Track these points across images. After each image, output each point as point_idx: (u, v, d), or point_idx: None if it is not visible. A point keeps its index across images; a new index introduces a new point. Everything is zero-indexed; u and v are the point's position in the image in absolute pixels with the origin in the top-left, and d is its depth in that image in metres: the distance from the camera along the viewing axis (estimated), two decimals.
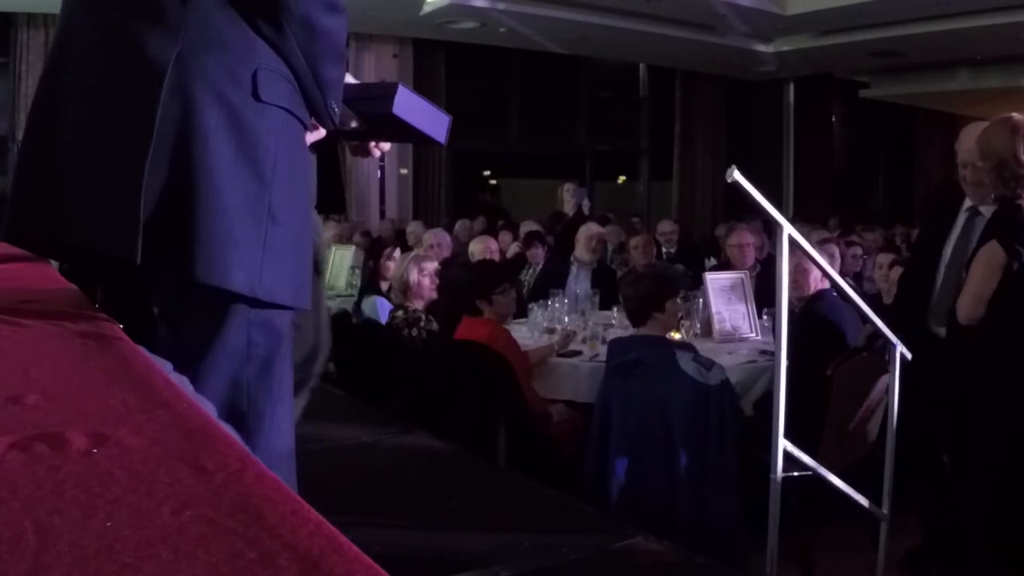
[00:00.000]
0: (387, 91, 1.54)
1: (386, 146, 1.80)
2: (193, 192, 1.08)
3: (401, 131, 1.64)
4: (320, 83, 1.25)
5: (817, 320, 3.53)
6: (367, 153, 1.79)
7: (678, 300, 3.37)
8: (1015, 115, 2.59)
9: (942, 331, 2.83)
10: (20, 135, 7.47)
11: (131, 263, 1.08)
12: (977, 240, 2.70)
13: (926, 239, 3.17)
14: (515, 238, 7.07)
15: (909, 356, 2.54)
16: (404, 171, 9.76)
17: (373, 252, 6.45)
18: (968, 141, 2.84)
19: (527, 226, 7.04)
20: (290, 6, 1.17)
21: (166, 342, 1.14)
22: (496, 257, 5.50)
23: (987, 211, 2.80)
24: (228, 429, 0.91)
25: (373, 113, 1.57)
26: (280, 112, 1.19)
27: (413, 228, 7.13)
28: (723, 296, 4.15)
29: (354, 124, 1.57)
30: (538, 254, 6.01)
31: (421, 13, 8.25)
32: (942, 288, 2.82)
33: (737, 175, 1.92)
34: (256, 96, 1.15)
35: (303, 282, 1.24)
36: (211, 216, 1.08)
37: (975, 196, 2.85)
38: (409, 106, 1.56)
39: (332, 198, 1.87)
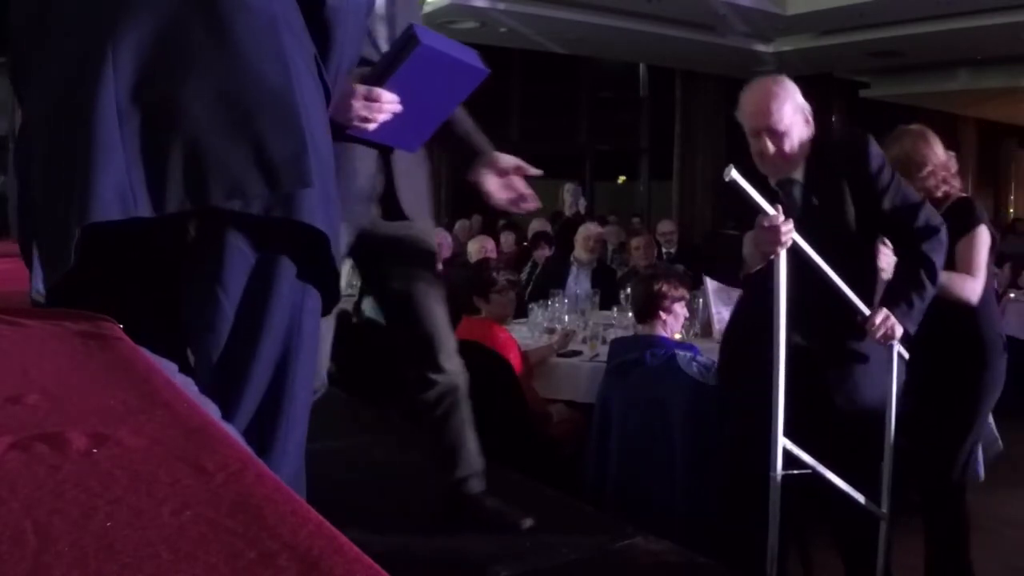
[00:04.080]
0: (406, 36, 1.63)
1: (531, 205, 2.02)
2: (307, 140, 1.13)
3: (441, 75, 1.70)
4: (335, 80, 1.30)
5: None
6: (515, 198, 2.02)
7: (686, 303, 3.37)
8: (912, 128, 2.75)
9: (801, 340, 2.28)
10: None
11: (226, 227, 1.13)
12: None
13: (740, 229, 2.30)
14: (518, 239, 7.07)
15: (907, 355, 2.52)
16: None
17: None
18: (766, 102, 2.35)
19: (534, 225, 7.04)
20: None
21: (226, 319, 1.16)
22: (494, 256, 5.50)
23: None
24: (230, 430, 0.91)
25: (408, 63, 1.64)
26: (324, 95, 1.25)
27: None
28: (723, 296, 4.15)
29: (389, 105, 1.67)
30: (544, 254, 6.03)
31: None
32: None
33: (735, 174, 1.91)
34: (321, 76, 1.23)
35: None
36: (312, 165, 1.13)
37: (780, 170, 2.36)
38: (433, 39, 1.65)
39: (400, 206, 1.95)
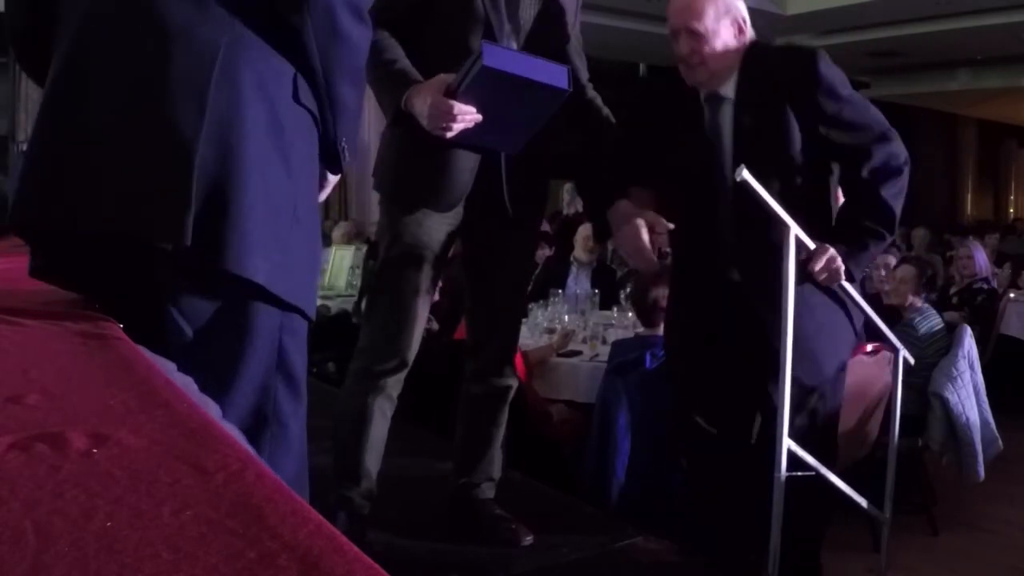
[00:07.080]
0: (476, 53, 1.67)
1: None
2: (233, 183, 1.09)
3: (515, 91, 1.72)
4: (333, 100, 1.24)
5: None
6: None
7: None
8: None
9: (737, 277, 2.17)
10: (20, 135, 7.46)
11: (154, 255, 1.10)
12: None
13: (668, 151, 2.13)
14: None
15: (912, 361, 2.50)
16: None
17: (373, 252, 6.45)
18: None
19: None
20: None
21: (191, 347, 1.13)
22: None
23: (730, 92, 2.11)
24: (234, 431, 0.91)
25: (478, 83, 1.69)
26: (308, 116, 1.22)
27: None
28: None
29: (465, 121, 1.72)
30: (544, 254, 6.03)
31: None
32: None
33: (746, 174, 1.87)
34: (296, 98, 1.19)
35: (314, 287, 1.26)
36: (248, 208, 1.10)
37: (704, 81, 2.12)
38: (503, 59, 1.68)
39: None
